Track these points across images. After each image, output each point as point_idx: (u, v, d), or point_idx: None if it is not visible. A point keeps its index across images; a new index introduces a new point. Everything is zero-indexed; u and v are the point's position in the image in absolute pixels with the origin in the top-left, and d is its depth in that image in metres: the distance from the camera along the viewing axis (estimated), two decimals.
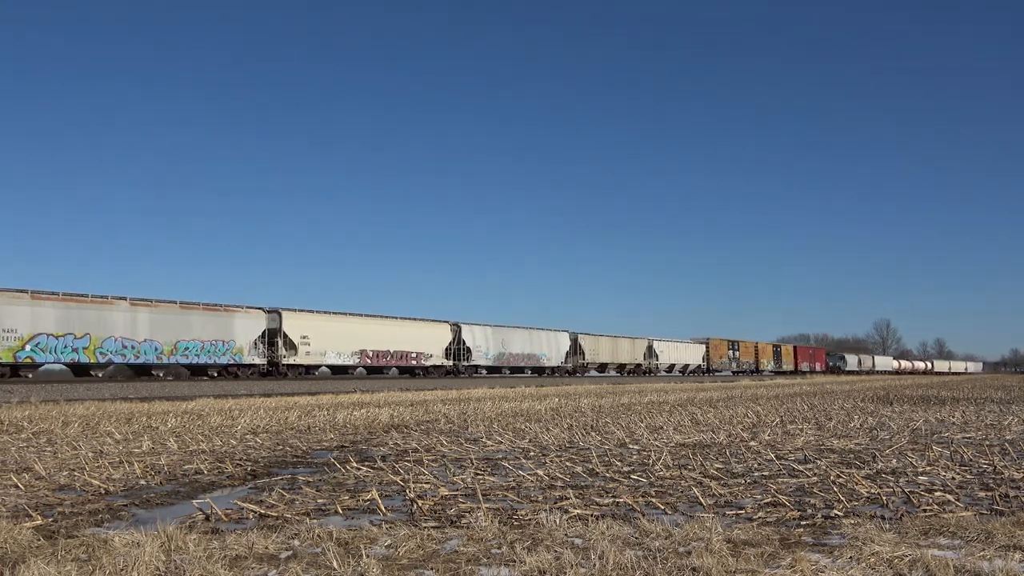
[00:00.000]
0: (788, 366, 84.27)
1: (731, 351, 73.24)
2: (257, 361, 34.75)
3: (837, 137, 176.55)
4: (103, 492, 5.37)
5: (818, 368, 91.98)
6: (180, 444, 8.33)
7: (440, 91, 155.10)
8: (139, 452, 7.63)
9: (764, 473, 6.06)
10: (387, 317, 41.42)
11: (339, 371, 39.58)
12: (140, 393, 21.08)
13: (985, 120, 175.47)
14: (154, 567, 3.24)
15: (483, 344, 46.51)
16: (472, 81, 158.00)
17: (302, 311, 37.21)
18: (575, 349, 53.91)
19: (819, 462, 6.66)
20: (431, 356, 42.68)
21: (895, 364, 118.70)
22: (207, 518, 4.42)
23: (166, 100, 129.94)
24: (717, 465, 6.50)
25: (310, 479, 5.90)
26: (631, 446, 8.03)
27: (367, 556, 3.42)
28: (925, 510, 4.51)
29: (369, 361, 39.49)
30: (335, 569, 3.24)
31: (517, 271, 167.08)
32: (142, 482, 5.85)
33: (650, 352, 61.65)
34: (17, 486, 5.48)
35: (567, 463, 6.65)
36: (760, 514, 4.45)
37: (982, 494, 5.08)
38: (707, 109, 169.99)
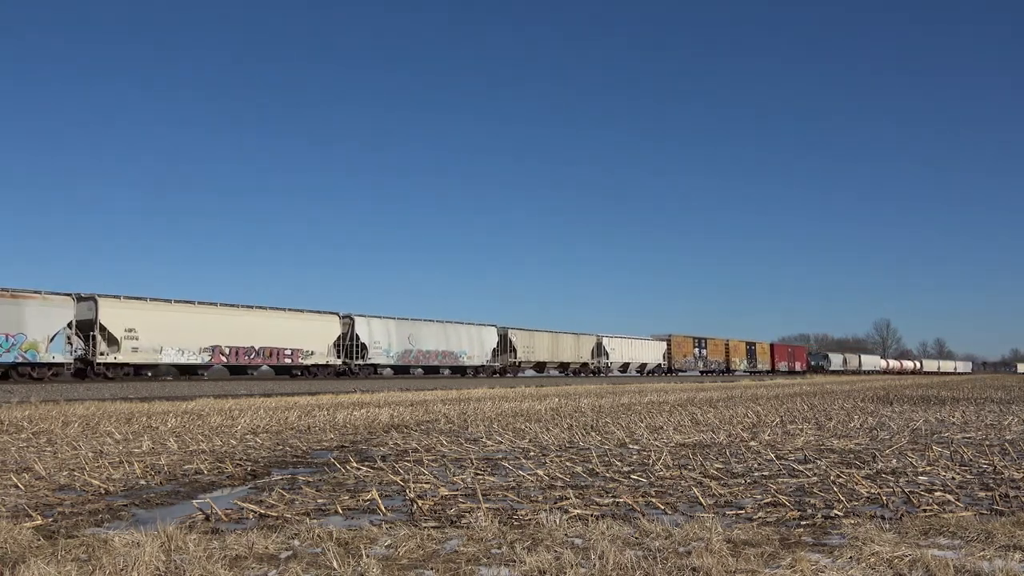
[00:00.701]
0: (764, 365, 78.78)
1: (697, 349, 67.30)
2: (60, 360, 28.48)
3: (837, 137, 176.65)
4: (103, 492, 5.37)
5: (798, 368, 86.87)
6: (180, 444, 8.33)
7: (440, 91, 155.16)
8: (139, 452, 7.63)
9: (764, 473, 6.06)
10: (253, 307, 35.81)
11: (185, 371, 34.17)
12: (140, 393, 21.09)
13: (985, 120, 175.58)
14: (154, 567, 3.24)
15: (383, 339, 40.02)
16: (472, 81, 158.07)
17: (128, 298, 31.60)
18: (504, 346, 47.55)
19: (819, 462, 6.66)
20: (312, 353, 36.98)
21: (883, 364, 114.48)
22: (207, 518, 4.42)
23: (166, 100, 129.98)
24: (717, 465, 6.50)
25: (310, 479, 5.90)
26: (631, 446, 8.03)
27: (367, 556, 3.42)
28: (925, 510, 4.51)
29: (224, 359, 33.81)
30: (335, 569, 3.24)
31: (516, 271, 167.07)
32: (142, 482, 5.85)
33: (599, 350, 55.43)
34: (17, 486, 5.48)
35: (567, 463, 6.65)
36: (760, 514, 4.45)
37: (982, 494, 5.08)
38: (707, 109, 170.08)
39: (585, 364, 54.10)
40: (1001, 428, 10.13)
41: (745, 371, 75.32)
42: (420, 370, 43.65)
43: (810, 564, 3.25)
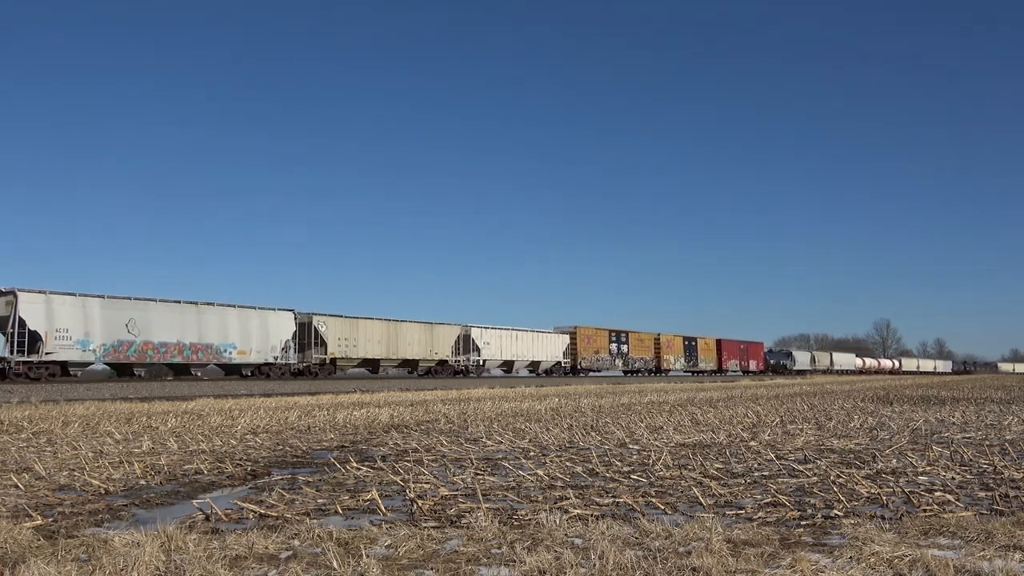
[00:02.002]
0: (708, 364, 68.79)
1: (615, 344, 57.17)
2: None
3: (837, 137, 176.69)
4: (103, 492, 5.37)
5: (753, 368, 76.63)
6: (180, 444, 8.33)
7: (440, 91, 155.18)
8: (139, 452, 7.63)
9: (764, 473, 6.06)
10: None
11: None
12: (140, 393, 21.09)
13: (985, 120, 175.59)
14: (154, 567, 3.24)
15: (75, 326, 29.04)
16: (472, 81, 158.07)
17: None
18: (313, 339, 37.19)
19: (819, 462, 6.66)
20: None
21: (858, 363, 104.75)
22: (207, 518, 4.42)
23: (166, 100, 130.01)
24: (717, 465, 6.49)
25: (310, 479, 5.89)
26: (631, 446, 8.03)
27: (367, 556, 3.42)
28: (925, 510, 4.51)
29: None
30: (335, 569, 3.24)
31: (517, 271, 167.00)
32: (142, 482, 5.84)
33: (467, 344, 45.51)
34: (17, 486, 5.48)
35: (567, 463, 6.65)
36: (760, 514, 4.45)
37: (982, 494, 5.08)
38: (707, 109, 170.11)
39: (443, 361, 43.79)
40: (1001, 428, 10.12)
41: (683, 371, 65.72)
42: (142, 371, 32.64)
43: (810, 564, 3.25)
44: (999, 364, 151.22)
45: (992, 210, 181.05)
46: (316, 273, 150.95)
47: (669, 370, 63.65)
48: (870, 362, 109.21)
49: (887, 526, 4.07)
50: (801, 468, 6.27)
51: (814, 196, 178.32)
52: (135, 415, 12.54)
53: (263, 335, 35.38)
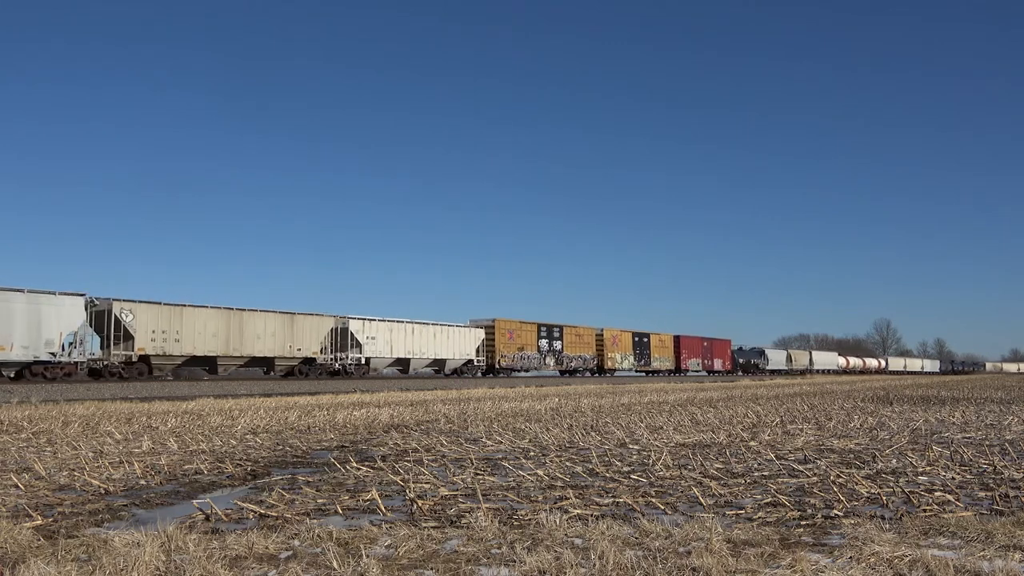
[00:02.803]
0: (663, 363, 60.82)
1: (546, 340, 49.35)
2: None
3: (837, 137, 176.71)
4: (103, 492, 5.37)
5: (719, 367, 69.64)
6: (180, 444, 8.33)
7: (440, 91, 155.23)
8: (139, 452, 7.63)
9: (764, 473, 6.06)
10: None
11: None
12: (140, 393, 21.08)
13: (985, 120, 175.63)
14: (154, 567, 3.24)
15: None
16: (472, 81, 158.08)
17: None
18: (115, 331, 29.85)
19: (819, 462, 6.66)
20: None
21: (841, 362, 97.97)
22: (207, 518, 4.42)
23: (166, 100, 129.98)
24: (717, 465, 6.49)
25: (310, 479, 5.89)
26: (631, 446, 8.03)
27: (367, 556, 3.42)
28: (925, 510, 4.51)
29: None
30: (335, 569, 3.24)
31: (516, 272, 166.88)
32: (142, 482, 5.84)
33: (344, 339, 37.86)
34: (17, 486, 5.48)
35: (567, 463, 6.65)
36: (760, 514, 4.45)
37: (982, 494, 5.08)
38: (708, 109, 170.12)
39: (310, 360, 36.41)
40: (1001, 428, 10.12)
41: (632, 371, 57.66)
42: None
43: (810, 564, 3.25)
44: (987, 364, 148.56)
45: (992, 210, 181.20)
46: (319, 273, 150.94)
47: (614, 370, 55.17)
48: (855, 362, 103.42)
49: (887, 526, 4.07)
50: (801, 468, 6.27)
51: (814, 196, 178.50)
52: (135, 415, 12.54)
53: (31, 325, 27.53)
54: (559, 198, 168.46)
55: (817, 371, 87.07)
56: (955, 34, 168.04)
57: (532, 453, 7.49)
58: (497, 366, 46.02)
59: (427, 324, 42.21)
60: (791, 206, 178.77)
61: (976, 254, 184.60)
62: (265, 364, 36.08)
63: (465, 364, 44.38)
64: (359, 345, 38.57)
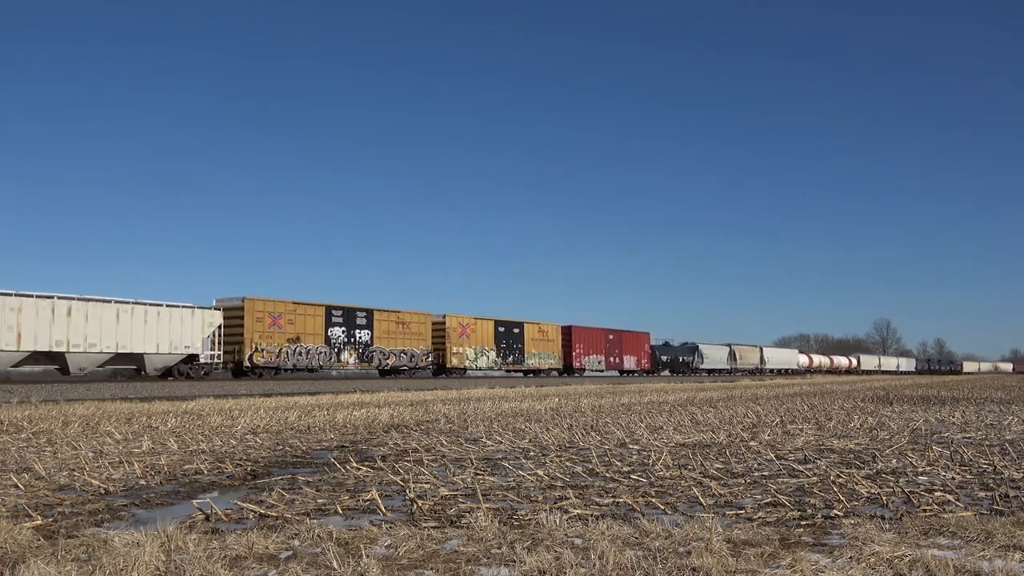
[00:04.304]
0: (546, 361, 49.28)
1: (341, 328, 37.80)
2: None
3: (837, 137, 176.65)
4: (103, 492, 5.37)
5: (632, 365, 58.09)
6: (180, 444, 8.33)
7: (440, 91, 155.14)
8: (139, 452, 7.63)
9: (764, 473, 6.06)
10: None
11: None
12: (140, 393, 21.09)
13: (985, 120, 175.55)
14: (154, 567, 3.24)
15: None
16: (472, 81, 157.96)
17: None
18: None
19: (819, 462, 6.66)
20: None
21: (802, 360, 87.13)
22: (207, 518, 4.42)
23: (166, 100, 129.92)
24: (717, 465, 6.49)
25: (310, 479, 5.89)
26: (631, 446, 8.03)
27: (367, 556, 3.42)
28: (925, 510, 4.51)
29: None
30: (335, 569, 3.24)
31: (516, 271, 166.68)
32: (142, 482, 5.84)
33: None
34: (17, 486, 5.48)
35: (567, 463, 6.65)
36: (760, 514, 4.45)
37: (982, 494, 5.08)
38: (708, 109, 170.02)
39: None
40: (1001, 428, 10.12)
41: (495, 370, 45.91)
42: None
43: (810, 564, 3.25)
44: (964, 363, 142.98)
45: (992, 210, 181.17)
46: (318, 273, 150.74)
47: (463, 369, 43.43)
48: (820, 360, 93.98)
49: (887, 526, 4.07)
50: (801, 468, 6.27)
51: (814, 196, 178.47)
52: (135, 415, 12.53)
53: None
54: (559, 198, 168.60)
55: (771, 371, 76.95)
56: (955, 34, 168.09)
57: (532, 453, 7.49)
58: (250, 364, 34.21)
59: (109, 302, 29.31)
60: (791, 206, 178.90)
61: (976, 254, 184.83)
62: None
63: (186, 361, 31.92)
64: None
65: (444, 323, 43.42)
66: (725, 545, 3.58)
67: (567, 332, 52.25)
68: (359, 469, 6.35)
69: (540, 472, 5.99)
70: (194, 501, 4.92)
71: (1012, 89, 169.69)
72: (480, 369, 45.12)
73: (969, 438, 8.76)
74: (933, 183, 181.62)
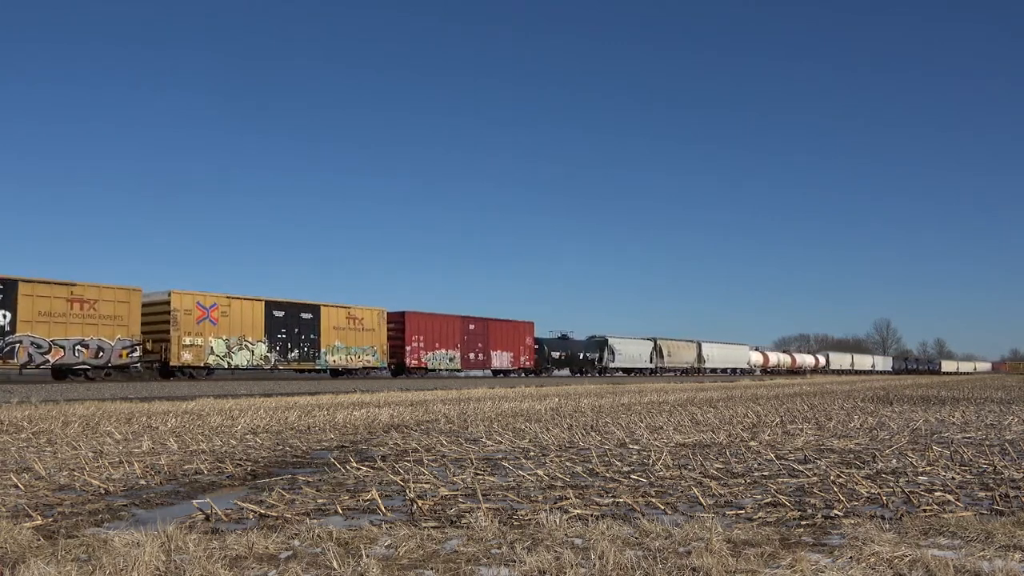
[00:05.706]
0: (360, 356, 37.29)
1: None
2: None
3: (837, 137, 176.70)
4: (103, 492, 5.37)
5: (508, 364, 46.81)
6: (180, 444, 8.33)
7: (440, 91, 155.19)
8: (139, 452, 7.63)
9: (764, 473, 6.06)
10: None
11: None
12: (140, 393, 21.08)
13: (985, 120, 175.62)
14: (154, 567, 3.24)
15: None
16: (472, 81, 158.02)
17: None
18: None
19: (819, 462, 6.66)
20: None
21: (755, 359, 74.10)
22: (207, 518, 4.42)
23: (166, 100, 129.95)
24: (717, 465, 6.49)
25: (310, 479, 5.89)
26: (631, 446, 8.03)
27: (367, 556, 3.42)
28: (925, 510, 4.51)
29: None
30: (335, 569, 3.24)
31: (516, 272, 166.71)
32: (142, 482, 5.84)
33: None
34: (17, 486, 5.48)
35: (567, 463, 6.65)
36: (760, 514, 4.45)
37: (982, 494, 5.08)
38: (707, 109, 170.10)
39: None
40: (1001, 428, 10.12)
41: (275, 367, 34.05)
42: None
43: (810, 564, 3.25)
44: (942, 363, 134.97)
45: (992, 210, 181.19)
46: (319, 273, 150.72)
47: (209, 368, 31.73)
48: (779, 359, 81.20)
49: (887, 526, 4.07)
50: (801, 468, 6.27)
51: (814, 196, 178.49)
52: (135, 415, 12.53)
53: None
54: (559, 198, 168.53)
55: (712, 371, 65.00)
56: (955, 34, 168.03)
57: (532, 453, 7.49)
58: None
59: None
60: (791, 206, 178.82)
61: (976, 254, 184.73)
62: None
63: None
64: None
65: (169, 301, 30.40)
66: (725, 545, 3.58)
67: (399, 320, 40.21)
68: (359, 469, 6.35)
69: (540, 472, 5.99)
70: (194, 501, 4.92)
71: (1012, 89, 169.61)
72: (242, 366, 33.19)
73: (969, 438, 8.76)
74: (933, 183, 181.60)
